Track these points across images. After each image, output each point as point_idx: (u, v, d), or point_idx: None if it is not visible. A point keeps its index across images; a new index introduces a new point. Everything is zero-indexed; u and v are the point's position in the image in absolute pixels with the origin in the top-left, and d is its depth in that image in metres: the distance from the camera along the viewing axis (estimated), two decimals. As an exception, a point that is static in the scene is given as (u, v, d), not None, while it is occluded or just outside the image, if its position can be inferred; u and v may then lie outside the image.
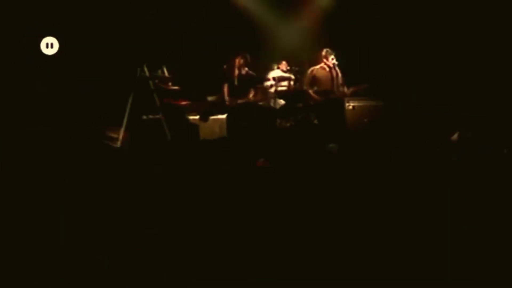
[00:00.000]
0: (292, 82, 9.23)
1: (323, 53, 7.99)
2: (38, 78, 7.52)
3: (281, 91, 9.13)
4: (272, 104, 9.24)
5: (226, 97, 8.58)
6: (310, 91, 8.12)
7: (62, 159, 5.56)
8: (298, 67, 9.30)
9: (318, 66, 8.04)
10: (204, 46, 9.77)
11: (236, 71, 8.49)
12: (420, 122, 7.92)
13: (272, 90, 9.14)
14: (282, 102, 9.23)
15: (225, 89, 8.58)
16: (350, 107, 8.94)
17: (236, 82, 8.54)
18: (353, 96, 8.72)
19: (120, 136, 7.56)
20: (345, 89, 8.18)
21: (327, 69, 8.02)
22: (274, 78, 9.18)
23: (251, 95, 8.49)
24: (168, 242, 3.52)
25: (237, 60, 8.43)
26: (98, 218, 3.85)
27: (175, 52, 9.37)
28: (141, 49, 8.85)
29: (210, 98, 9.22)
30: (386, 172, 5.59)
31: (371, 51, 9.40)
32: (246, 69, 8.46)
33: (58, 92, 7.98)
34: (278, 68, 9.39)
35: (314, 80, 8.08)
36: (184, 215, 3.94)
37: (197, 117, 8.78)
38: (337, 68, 8.03)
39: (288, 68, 9.34)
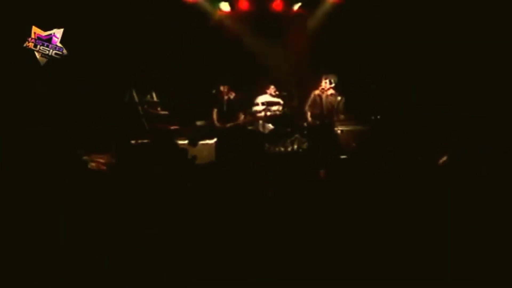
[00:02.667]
0: (280, 107, 9.30)
1: (322, 77, 8.16)
2: (38, 78, 7.51)
3: (270, 115, 9.20)
4: (261, 128, 9.32)
5: (216, 122, 8.73)
6: (308, 113, 8.27)
7: (62, 159, 5.51)
8: (287, 91, 9.39)
9: (318, 90, 8.19)
10: (193, 72, 9.86)
11: (225, 97, 8.69)
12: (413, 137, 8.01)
13: (261, 114, 9.20)
14: (270, 126, 9.30)
15: (214, 114, 8.75)
16: (339, 131, 9.02)
17: (225, 107, 8.70)
18: (342, 121, 8.81)
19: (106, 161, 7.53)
20: (340, 116, 8.29)
21: (322, 93, 8.16)
22: (263, 103, 9.25)
23: (240, 119, 8.67)
24: (168, 242, 3.49)
25: (222, 87, 8.63)
26: (98, 218, 3.81)
27: (164, 77, 9.46)
28: (130, 74, 8.94)
29: (199, 123, 9.27)
30: (378, 192, 5.60)
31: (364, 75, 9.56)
32: (233, 93, 8.67)
33: (58, 93, 8.00)
34: (267, 92, 9.46)
35: (312, 103, 8.23)
36: (184, 215, 3.92)
37: (186, 142, 8.80)
38: (329, 92, 8.12)
39: (277, 92, 9.41)
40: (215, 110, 8.84)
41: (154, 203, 4.09)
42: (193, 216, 3.91)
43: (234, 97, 8.80)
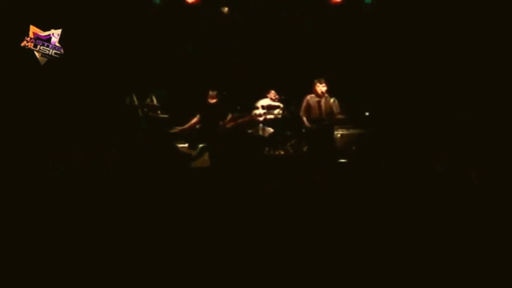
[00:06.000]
0: (280, 111, 9.31)
1: (315, 81, 8.12)
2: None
3: (270, 119, 9.20)
4: (260, 132, 9.32)
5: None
6: (304, 118, 8.23)
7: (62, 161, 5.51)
8: (287, 95, 9.39)
9: (312, 94, 8.16)
10: (193, 75, 9.88)
11: (211, 101, 8.60)
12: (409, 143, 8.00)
13: (261, 118, 9.20)
14: (270, 130, 9.29)
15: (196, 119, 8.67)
16: (338, 135, 9.02)
17: (210, 112, 8.62)
18: (341, 124, 8.81)
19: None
20: (338, 117, 8.27)
21: (318, 97, 8.13)
22: (263, 107, 9.25)
23: (228, 119, 8.64)
24: (168, 242, 3.48)
25: (211, 92, 8.56)
26: (99, 219, 3.81)
27: (164, 81, 9.48)
28: (130, 77, 8.96)
29: (198, 126, 9.24)
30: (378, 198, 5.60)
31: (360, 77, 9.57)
32: (215, 100, 8.57)
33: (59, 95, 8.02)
34: (267, 96, 9.47)
35: (308, 107, 8.19)
36: (183, 217, 3.91)
37: (186, 145, 8.78)
38: (326, 95, 8.10)
39: (277, 96, 9.42)
40: (197, 116, 8.71)
41: (155, 205, 4.09)
42: (193, 217, 3.90)
43: (216, 102, 8.66)
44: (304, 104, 8.25)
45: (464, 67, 8.70)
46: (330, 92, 8.13)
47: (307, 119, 8.22)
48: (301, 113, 8.30)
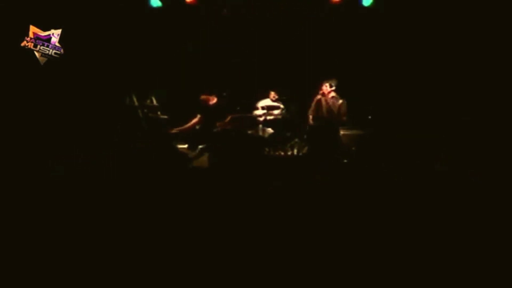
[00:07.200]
0: (281, 111, 9.31)
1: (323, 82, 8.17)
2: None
3: (270, 120, 9.20)
4: (260, 133, 9.32)
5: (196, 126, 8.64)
6: (310, 116, 8.27)
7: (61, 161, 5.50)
8: (287, 96, 9.40)
9: (319, 95, 8.19)
10: (193, 76, 9.88)
11: (210, 103, 8.59)
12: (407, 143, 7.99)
13: (261, 119, 9.20)
14: (271, 130, 9.29)
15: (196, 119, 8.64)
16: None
17: (210, 112, 8.60)
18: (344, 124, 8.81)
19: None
20: (343, 118, 8.28)
21: (323, 97, 8.15)
22: (263, 107, 9.25)
23: (228, 119, 8.58)
24: (168, 242, 3.47)
25: (203, 96, 8.55)
26: (98, 221, 3.80)
27: (164, 81, 9.48)
28: (130, 77, 8.96)
29: (198, 127, 9.23)
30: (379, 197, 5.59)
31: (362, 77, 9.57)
32: (215, 99, 8.56)
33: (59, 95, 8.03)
34: (267, 97, 9.47)
35: (316, 107, 8.22)
36: (183, 217, 3.91)
37: (186, 146, 8.77)
38: (330, 96, 8.11)
39: (277, 97, 9.43)
40: (198, 116, 8.68)
41: (155, 205, 4.08)
42: (193, 218, 3.89)
43: (215, 102, 8.66)
44: (313, 103, 8.30)
45: (465, 68, 8.70)
46: (338, 93, 8.15)
47: (313, 118, 8.26)
48: (309, 112, 8.36)
